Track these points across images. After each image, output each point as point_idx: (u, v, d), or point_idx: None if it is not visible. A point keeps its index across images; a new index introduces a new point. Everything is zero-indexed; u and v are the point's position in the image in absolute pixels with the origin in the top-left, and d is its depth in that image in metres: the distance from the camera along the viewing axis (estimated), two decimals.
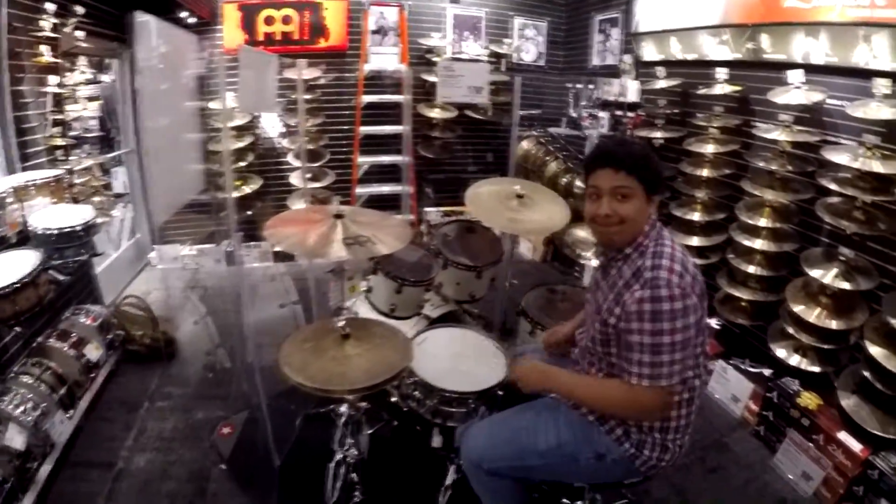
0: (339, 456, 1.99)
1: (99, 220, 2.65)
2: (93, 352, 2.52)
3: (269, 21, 4.36)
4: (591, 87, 4.33)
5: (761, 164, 2.72)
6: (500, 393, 1.90)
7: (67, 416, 2.26)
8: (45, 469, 2.06)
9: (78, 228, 2.29)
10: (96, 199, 3.01)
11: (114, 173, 3.98)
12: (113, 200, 3.31)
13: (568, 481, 1.67)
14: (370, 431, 2.19)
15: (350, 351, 1.77)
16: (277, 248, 1.91)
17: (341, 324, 1.83)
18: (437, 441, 1.96)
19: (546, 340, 1.92)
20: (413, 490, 2.08)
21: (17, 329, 2.16)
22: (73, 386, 2.34)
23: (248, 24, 4.33)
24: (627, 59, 4.04)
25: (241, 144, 4.31)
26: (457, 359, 2.05)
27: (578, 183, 4.18)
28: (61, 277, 2.39)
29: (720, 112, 3.09)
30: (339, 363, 1.71)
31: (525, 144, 4.69)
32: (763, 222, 2.70)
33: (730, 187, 3.09)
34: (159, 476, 2.18)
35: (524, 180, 2.81)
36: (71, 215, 2.37)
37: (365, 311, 2.54)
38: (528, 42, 5.18)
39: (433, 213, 4.87)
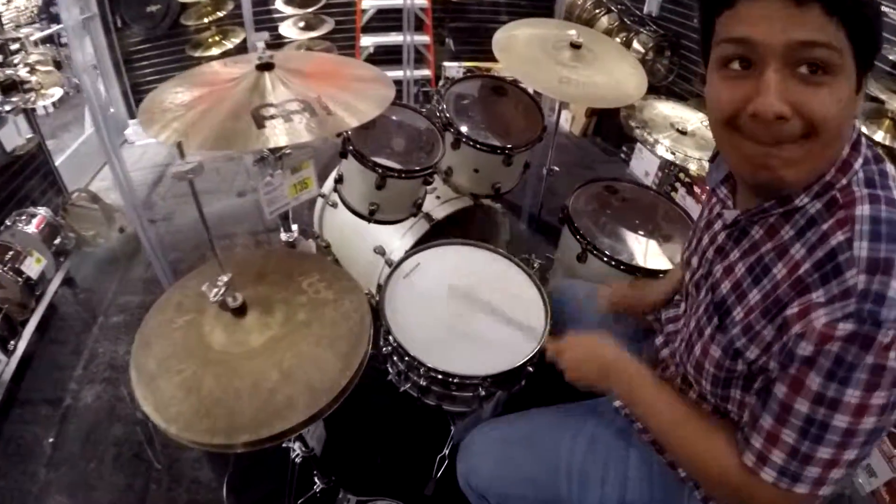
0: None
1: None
2: (33, 266, 2.11)
3: None
4: None
5: None
6: (531, 370, 1.23)
7: (9, 348, 1.96)
8: None
9: None
10: (34, 78, 2.46)
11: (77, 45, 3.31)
12: (57, 76, 2.74)
13: None
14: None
15: (252, 339, 0.93)
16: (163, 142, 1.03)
17: (216, 291, 0.92)
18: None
19: (610, 301, 1.24)
20: (404, 452, 1.68)
21: None
22: (12, 312, 2.01)
23: None
24: None
25: None
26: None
27: (636, 45, 3.20)
28: None
29: None
30: (224, 376, 0.88)
31: None
32: None
33: None
34: (107, 416, 1.89)
35: (582, 26, 1.93)
36: None
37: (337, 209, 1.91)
38: None
39: (453, 68, 3.99)
